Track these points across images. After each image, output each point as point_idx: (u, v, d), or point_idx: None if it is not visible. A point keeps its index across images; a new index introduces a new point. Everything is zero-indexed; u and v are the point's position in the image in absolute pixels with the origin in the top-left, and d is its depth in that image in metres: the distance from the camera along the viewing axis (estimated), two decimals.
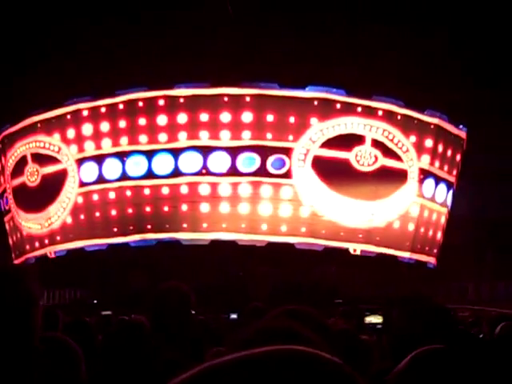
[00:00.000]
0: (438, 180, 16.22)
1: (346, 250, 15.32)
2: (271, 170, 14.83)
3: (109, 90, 15.36)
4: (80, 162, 15.74)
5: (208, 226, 15.02)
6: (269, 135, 14.89)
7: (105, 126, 15.50)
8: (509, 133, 16.47)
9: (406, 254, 16.10)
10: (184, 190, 15.08)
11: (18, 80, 15.35)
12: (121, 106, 15.35)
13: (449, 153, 16.40)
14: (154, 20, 15.10)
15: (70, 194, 15.82)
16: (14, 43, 15.24)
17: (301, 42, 15.31)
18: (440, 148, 16.11)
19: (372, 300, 13.95)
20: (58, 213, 15.96)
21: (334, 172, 14.91)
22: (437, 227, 16.70)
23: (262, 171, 14.80)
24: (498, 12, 15.81)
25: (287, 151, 14.88)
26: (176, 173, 15.04)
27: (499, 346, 4.05)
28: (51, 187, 15.91)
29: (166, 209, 15.18)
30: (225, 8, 14.71)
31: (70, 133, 15.86)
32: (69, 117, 15.85)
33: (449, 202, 16.76)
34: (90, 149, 15.66)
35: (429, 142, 15.85)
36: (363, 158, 15.08)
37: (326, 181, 14.91)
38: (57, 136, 16.02)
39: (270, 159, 14.82)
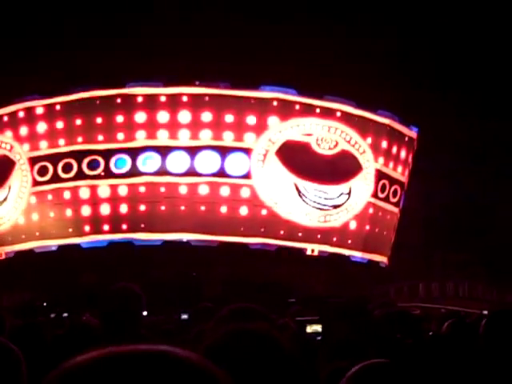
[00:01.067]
0: (392, 181, 16.44)
1: (299, 250, 15.38)
2: (230, 172, 14.76)
3: (64, 88, 15.05)
4: (33, 160, 15.37)
5: (163, 226, 14.86)
6: (228, 135, 14.82)
7: (60, 124, 15.18)
8: (459, 132, 16.82)
9: (359, 254, 16.25)
10: (142, 189, 14.89)
11: None
12: (76, 104, 15.06)
13: (402, 154, 16.66)
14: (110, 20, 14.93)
15: (22, 193, 15.44)
16: None
17: (251, 41, 15.33)
18: (394, 149, 16.34)
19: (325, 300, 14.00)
20: (10, 213, 15.58)
21: (295, 156, 14.94)
22: (389, 227, 16.93)
23: (221, 172, 14.72)
24: (449, 12, 16.12)
25: (247, 151, 14.83)
26: (134, 172, 14.85)
27: (444, 342, 4.12)
28: None
29: (124, 209, 14.98)
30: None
31: (23, 130, 15.49)
32: (22, 114, 15.50)
33: (400, 202, 17.00)
34: (44, 147, 15.31)
35: (384, 144, 16.06)
36: (324, 142, 15.16)
37: (287, 165, 14.88)
38: (9, 134, 15.65)
39: (229, 159, 14.74)
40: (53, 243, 15.30)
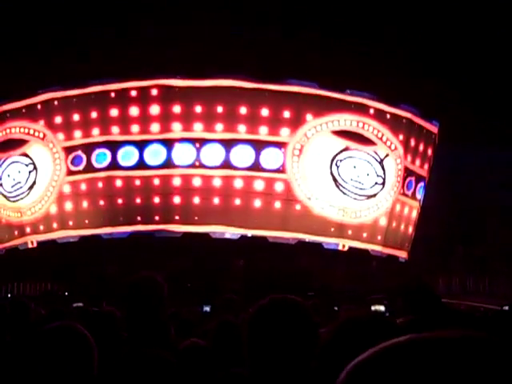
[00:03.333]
0: (410, 174, 16.39)
1: (318, 244, 15.39)
2: (265, 165, 14.82)
3: (99, 78, 15.08)
4: (68, 150, 15.44)
5: (199, 218, 14.93)
6: (263, 129, 14.88)
7: (94, 114, 15.24)
8: (479, 128, 16.68)
9: (378, 248, 16.22)
10: (177, 181, 14.94)
11: None
12: (112, 95, 15.12)
13: (421, 147, 16.58)
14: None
15: (55, 182, 15.50)
16: None
17: (277, 37, 15.32)
18: (412, 142, 16.26)
19: (345, 293, 14.07)
20: (42, 201, 15.66)
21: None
22: (408, 221, 16.88)
23: (256, 166, 14.79)
24: (474, 9, 15.97)
25: (282, 145, 14.92)
26: (168, 164, 14.90)
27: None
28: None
29: (157, 200, 15.03)
30: None
31: (57, 119, 15.53)
32: (56, 103, 15.55)
33: (420, 196, 16.92)
34: (78, 137, 15.37)
35: (412, 141, 16.05)
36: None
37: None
38: (41, 122, 15.71)
39: (264, 153, 14.81)
40: (85, 233, 15.33)
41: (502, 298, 16.16)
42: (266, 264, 15.45)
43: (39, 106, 15.67)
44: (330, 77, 15.02)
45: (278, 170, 14.93)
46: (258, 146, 14.81)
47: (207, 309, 10.72)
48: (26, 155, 15.84)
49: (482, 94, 16.86)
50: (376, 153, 15.53)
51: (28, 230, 15.90)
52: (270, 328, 1.74)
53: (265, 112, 14.87)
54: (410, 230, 17.08)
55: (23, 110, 15.82)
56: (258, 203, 14.98)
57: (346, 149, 15.27)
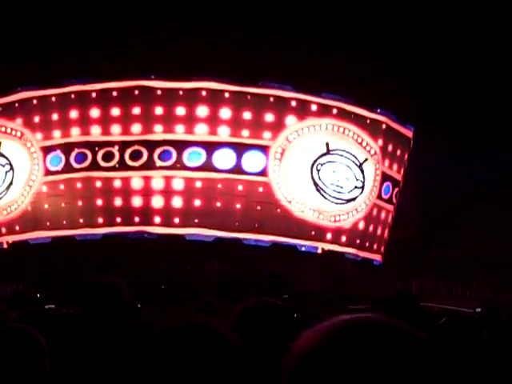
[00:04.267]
0: (388, 179, 16.56)
1: (293, 247, 15.42)
2: (247, 168, 14.84)
3: (80, 78, 14.95)
4: (46, 150, 15.24)
5: (180, 221, 14.90)
6: (245, 132, 14.91)
7: (74, 114, 15.08)
8: (455, 133, 16.86)
9: (353, 251, 16.31)
10: (157, 183, 14.88)
11: None
12: (93, 95, 14.98)
13: (398, 152, 16.74)
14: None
15: (32, 181, 15.29)
16: None
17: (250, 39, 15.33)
18: (390, 147, 16.42)
19: (319, 296, 14.12)
20: (19, 201, 15.43)
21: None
22: (384, 225, 17.00)
23: (237, 169, 14.81)
24: (448, 13, 16.14)
25: (264, 149, 14.94)
26: (149, 165, 14.84)
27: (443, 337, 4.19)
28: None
29: (138, 201, 14.95)
30: None
31: (36, 119, 15.32)
32: (35, 102, 15.32)
33: (394, 200, 17.07)
34: (57, 137, 15.18)
35: (380, 142, 16.18)
36: None
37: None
38: (19, 121, 15.50)
39: (247, 156, 14.84)
40: (59, 234, 15.17)
41: (475, 301, 16.35)
42: (241, 266, 15.45)
43: (17, 105, 15.44)
44: (306, 80, 15.11)
45: (259, 173, 14.94)
46: (240, 148, 14.78)
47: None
48: (2, 155, 15.61)
49: (456, 99, 17.05)
50: (355, 157, 15.65)
51: (3, 230, 15.67)
52: (253, 330, 1.73)
53: (247, 115, 14.86)
54: (386, 233, 17.23)
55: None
56: (238, 206, 14.96)
57: (327, 153, 15.32)
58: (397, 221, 17.10)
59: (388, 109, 16.34)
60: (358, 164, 15.77)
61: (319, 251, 15.69)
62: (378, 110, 16.27)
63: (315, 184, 15.33)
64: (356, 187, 15.76)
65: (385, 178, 16.50)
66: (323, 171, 15.35)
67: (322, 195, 15.40)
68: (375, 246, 17.08)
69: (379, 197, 16.47)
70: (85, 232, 15.01)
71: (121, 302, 2.79)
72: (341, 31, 15.82)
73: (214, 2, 15.40)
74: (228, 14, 15.29)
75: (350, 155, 15.65)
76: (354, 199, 15.76)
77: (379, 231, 16.96)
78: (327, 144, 15.34)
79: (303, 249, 15.59)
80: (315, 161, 15.25)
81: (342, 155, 15.56)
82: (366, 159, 15.81)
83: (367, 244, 16.74)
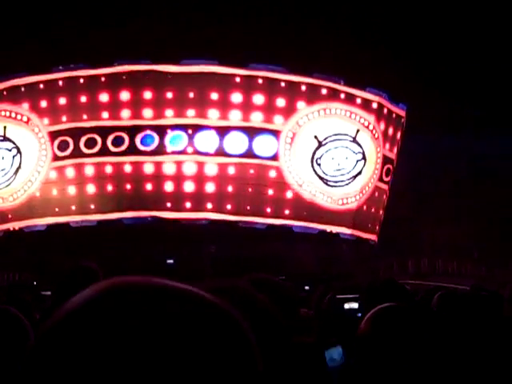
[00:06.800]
0: (388, 161, 16.76)
1: (288, 227, 15.46)
2: (259, 152, 14.90)
3: (90, 61, 14.77)
4: (54, 134, 15.06)
5: (192, 205, 14.97)
6: (257, 116, 14.96)
7: (83, 99, 14.88)
8: (446, 110, 16.85)
9: (348, 231, 16.36)
10: (169, 167, 14.86)
11: None
12: (102, 79, 14.82)
13: (390, 131, 16.74)
14: None
15: (40, 167, 15.13)
16: None
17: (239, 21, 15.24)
18: (382, 126, 16.40)
19: (315, 276, 14.20)
20: (25, 187, 15.27)
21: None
22: (378, 204, 17.05)
23: (249, 153, 14.84)
24: None
25: (275, 133, 15.01)
26: (160, 151, 14.78)
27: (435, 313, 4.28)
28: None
29: (149, 187, 14.93)
30: None
31: (43, 103, 15.10)
32: (42, 86, 15.12)
33: (387, 178, 17.10)
34: (65, 121, 15.01)
35: (372, 120, 16.19)
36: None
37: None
38: (25, 106, 15.27)
39: (258, 140, 14.90)
40: (71, 219, 15.09)
41: (470, 278, 16.44)
42: (236, 249, 15.49)
43: (23, 89, 15.19)
44: (297, 61, 15.06)
45: (271, 158, 15.01)
46: (251, 132, 14.87)
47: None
48: (8, 139, 15.38)
49: (449, 78, 17.00)
50: (347, 134, 15.69)
51: (9, 216, 15.51)
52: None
53: (259, 99, 14.93)
54: (381, 212, 17.28)
55: (4, 93, 15.34)
56: (250, 190, 15.08)
57: (319, 146, 15.43)
58: (390, 199, 17.17)
59: (379, 87, 16.33)
60: (352, 139, 15.83)
61: (328, 231, 15.80)
62: (368, 89, 16.23)
63: (321, 178, 15.51)
64: (358, 160, 15.93)
65: (386, 160, 16.67)
66: (323, 164, 15.50)
67: (331, 185, 15.64)
68: (371, 226, 17.14)
69: (381, 179, 16.62)
70: (93, 218, 14.95)
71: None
72: (327, 11, 15.70)
73: None
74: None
75: (342, 135, 15.66)
76: (360, 173, 15.95)
77: (374, 210, 17.01)
78: (316, 137, 15.39)
79: (296, 230, 15.65)
80: (313, 157, 15.38)
81: (334, 140, 15.63)
82: (358, 130, 15.84)
83: (364, 224, 16.80)
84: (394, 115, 16.98)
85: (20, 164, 15.26)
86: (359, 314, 5.17)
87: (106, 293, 0.72)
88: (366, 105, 16.05)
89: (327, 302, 5.86)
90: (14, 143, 15.33)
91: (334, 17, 15.67)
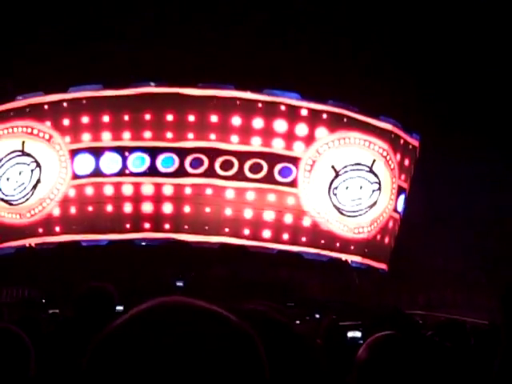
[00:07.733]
0: (402, 191, 16.91)
1: (299, 254, 15.42)
2: (278, 178, 15.03)
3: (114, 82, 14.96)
4: (74, 152, 15.23)
5: (209, 228, 15.13)
6: (278, 143, 15.14)
7: (106, 118, 15.05)
8: (458, 139, 16.78)
9: (359, 259, 16.30)
10: (187, 190, 15.01)
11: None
12: (125, 99, 14.99)
13: (406, 162, 16.80)
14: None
15: (60, 185, 15.25)
16: None
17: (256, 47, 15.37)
18: (398, 157, 16.45)
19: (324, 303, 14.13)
20: (44, 203, 15.37)
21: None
22: (391, 234, 16.99)
23: (269, 178, 14.98)
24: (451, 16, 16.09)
25: (294, 160, 15.16)
26: (180, 173, 14.94)
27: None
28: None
29: (168, 208, 15.04)
30: None
31: (65, 121, 15.27)
32: (65, 104, 15.29)
33: (401, 208, 17.05)
34: (86, 140, 15.17)
35: (387, 149, 16.28)
36: None
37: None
38: (48, 123, 15.41)
39: (277, 167, 15.06)
40: (91, 238, 15.18)
41: (480, 310, 16.28)
42: (246, 274, 15.44)
43: (46, 107, 15.35)
44: (311, 87, 15.12)
45: (289, 184, 15.12)
46: (272, 159, 15.02)
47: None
48: (27, 154, 15.47)
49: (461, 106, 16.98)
50: (364, 164, 15.76)
51: (26, 232, 15.54)
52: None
53: (280, 126, 15.12)
54: (392, 242, 17.22)
55: (27, 109, 15.48)
56: (268, 216, 15.15)
57: (336, 175, 15.53)
58: (403, 230, 17.05)
59: (392, 117, 16.33)
60: (368, 169, 15.86)
61: (343, 260, 15.87)
62: (382, 117, 16.27)
63: (337, 208, 15.60)
64: (374, 190, 16.01)
65: (400, 191, 16.74)
66: (339, 194, 15.59)
67: (347, 215, 15.73)
68: (382, 255, 17.05)
69: (395, 210, 16.69)
70: (109, 238, 15.01)
71: (111, 306, 2.85)
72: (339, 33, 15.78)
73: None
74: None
75: (358, 165, 15.71)
76: (375, 203, 16.00)
77: (387, 240, 16.97)
78: (333, 167, 15.47)
79: (306, 256, 15.61)
80: (329, 187, 15.46)
81: (350, 170, 15.72)
82: (374, 160, 15.87)
83: (376, 253, 16.74)
84: (410, 146, 17.00)
85: (39, 178, 15.33)
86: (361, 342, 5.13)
87: (154, 311, 0.83)
88: (382, 134, 16.09)
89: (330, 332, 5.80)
90: (33, 157, 15.41)
91: (345, 46, 15.77)
